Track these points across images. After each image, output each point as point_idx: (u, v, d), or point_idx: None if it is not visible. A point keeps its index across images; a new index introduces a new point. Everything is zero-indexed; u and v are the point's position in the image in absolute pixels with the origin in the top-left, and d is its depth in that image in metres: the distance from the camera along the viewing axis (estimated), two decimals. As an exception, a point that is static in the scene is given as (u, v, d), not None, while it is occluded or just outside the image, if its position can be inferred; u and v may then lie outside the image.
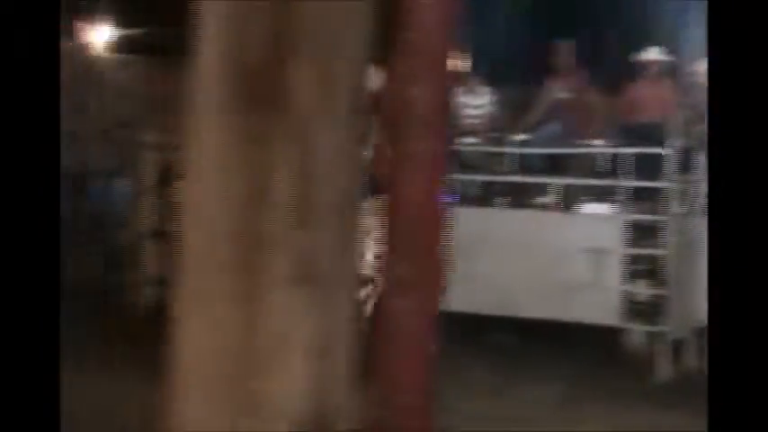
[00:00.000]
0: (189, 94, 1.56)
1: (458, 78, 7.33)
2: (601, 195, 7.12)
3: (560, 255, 6.82)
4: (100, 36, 11.01)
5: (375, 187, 2.74)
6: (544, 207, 7.28)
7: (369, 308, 4.64)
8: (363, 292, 4.60)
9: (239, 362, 1.45)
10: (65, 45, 10.68)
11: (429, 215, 2.02)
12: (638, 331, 6.85)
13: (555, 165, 7.57)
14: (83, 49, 10.96)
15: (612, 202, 6.96)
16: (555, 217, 7.19)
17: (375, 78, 2.21)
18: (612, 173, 7.03)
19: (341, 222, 1.56)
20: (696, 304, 6.26)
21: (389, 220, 2.05)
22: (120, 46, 11.06)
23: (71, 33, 10.90)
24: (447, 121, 2.08)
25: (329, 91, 1.56)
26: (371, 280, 4.56)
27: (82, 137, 10.30)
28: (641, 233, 6.87)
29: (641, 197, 6.98)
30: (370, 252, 4.40)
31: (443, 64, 2.16)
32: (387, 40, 2.03)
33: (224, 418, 1.43)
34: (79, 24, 10.83)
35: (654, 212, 6.87)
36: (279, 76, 1.52)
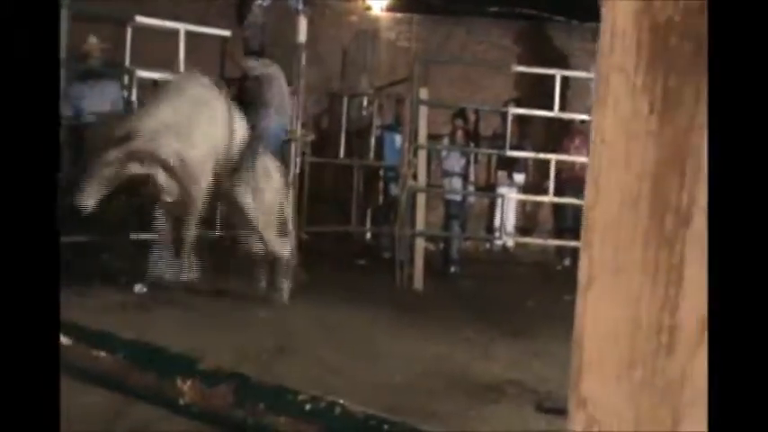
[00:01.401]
0: (598, 55, 1.60)
1: None
2: None
3: None
4: (379, -4, 11.40)
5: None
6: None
7: None
8: None
9: (651, 339, 1.47)
10: (345, 5, 11.13)
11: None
12: None
13: None
14: (361, 8, 11.41)
15: None
16: None
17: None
18: None
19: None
20: None
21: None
22: (398, 5, 11.40)
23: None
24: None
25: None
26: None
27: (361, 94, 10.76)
28: None
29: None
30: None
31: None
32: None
33: (623, 393, 1.47)
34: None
35: None
36: (692, 33, 1.51)
